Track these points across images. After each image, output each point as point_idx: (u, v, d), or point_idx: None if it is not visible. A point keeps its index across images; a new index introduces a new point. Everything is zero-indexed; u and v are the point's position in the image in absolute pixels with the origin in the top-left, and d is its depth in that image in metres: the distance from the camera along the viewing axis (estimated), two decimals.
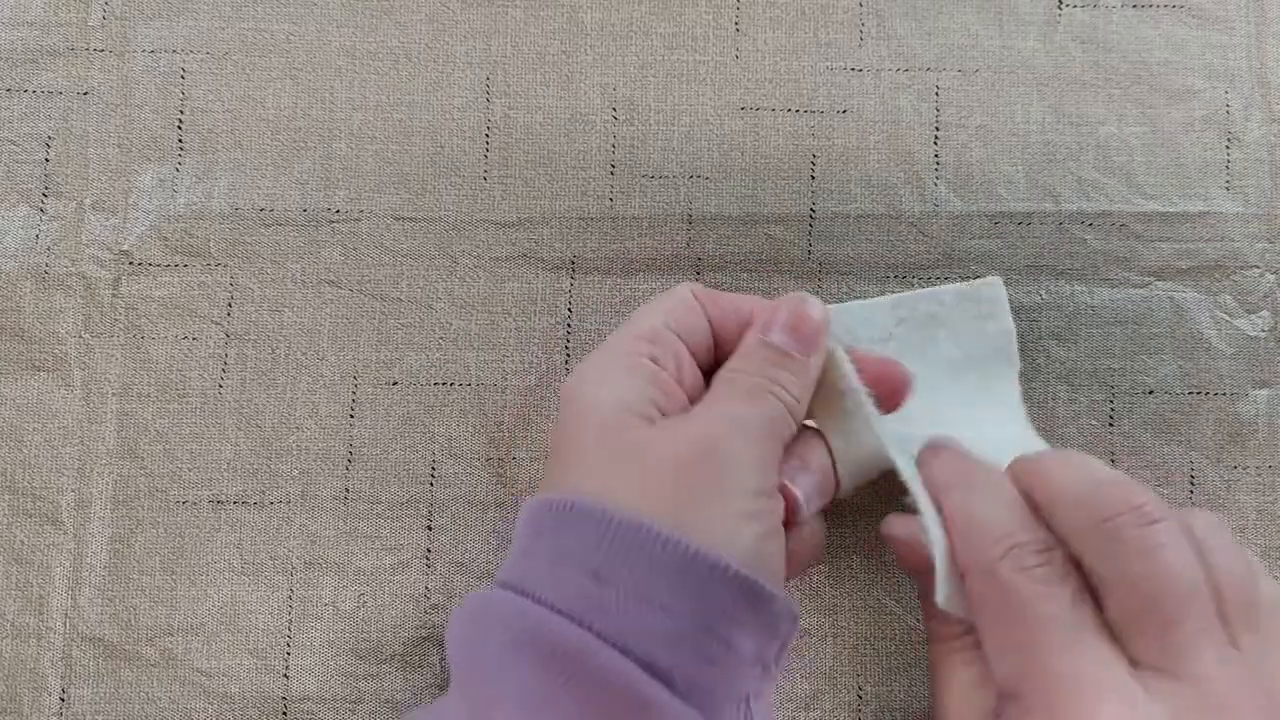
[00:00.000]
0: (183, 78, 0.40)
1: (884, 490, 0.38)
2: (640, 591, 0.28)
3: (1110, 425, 0.38)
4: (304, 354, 0.39)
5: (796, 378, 0.32)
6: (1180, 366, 0.39)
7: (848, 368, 0.33)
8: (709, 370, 0.33)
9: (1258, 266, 0.39)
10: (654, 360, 0.32)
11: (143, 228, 0.39)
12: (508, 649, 0.27)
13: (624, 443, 0.30)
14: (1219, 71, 0.40)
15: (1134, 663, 0.27)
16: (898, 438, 0.33)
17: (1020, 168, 0.39)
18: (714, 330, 0.33)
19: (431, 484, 0.38)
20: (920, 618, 0.37)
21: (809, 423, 0.34)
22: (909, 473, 0.32)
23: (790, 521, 0.31)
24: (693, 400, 0.32)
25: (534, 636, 0.27)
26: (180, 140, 0.39)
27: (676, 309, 0.33)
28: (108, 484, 0.38)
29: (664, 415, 0.31)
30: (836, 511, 0.38)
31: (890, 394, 0.33)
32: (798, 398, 0.32)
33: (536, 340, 0.39)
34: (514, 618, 0.28)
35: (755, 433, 0.30)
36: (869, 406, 0.32)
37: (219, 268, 0.39)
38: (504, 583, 0.29)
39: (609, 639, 0.27)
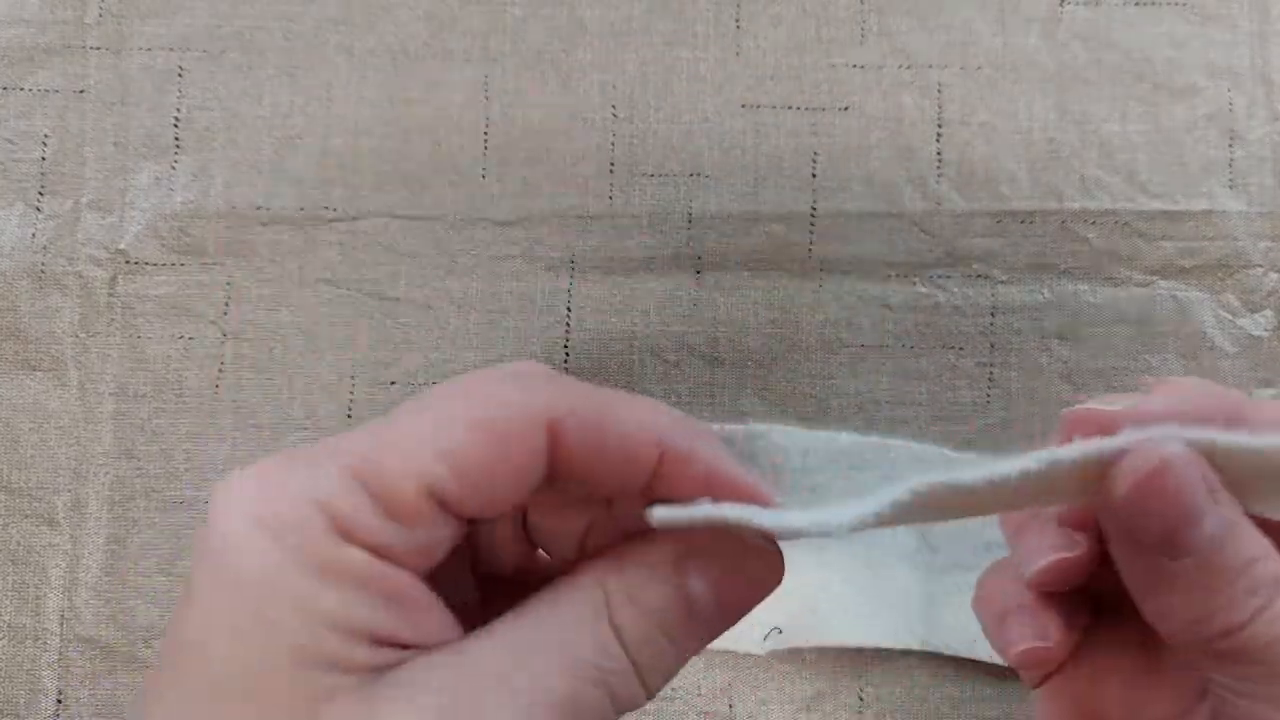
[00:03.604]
0: (179, 76, 0.39)
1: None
2: None
3: None
4: (301, 353, 0.38)
5: (682, 657, 0.20)
6: (1184, 366, 0.38)
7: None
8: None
9: (1261, 265, 0.39)
10: (379, 555, 0.18)
11: (139, 226, 0.39)
12: None
13: None
14: (1222, 69, 0.40)
15: None
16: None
17: (1023, 165, 0.39)
18: (575, 459, 0.19)
19: None
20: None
21: None
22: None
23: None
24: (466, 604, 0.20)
25: None
26: (177, 138, 0.39)
27: (484, 440, 0.18)
28: (104, 484, 0.38)
29: (396, 648, 0.18)
30: None
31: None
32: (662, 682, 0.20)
33: (536, 340, 0.38)
34: None
35: None
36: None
37: (216, 267, 0.39)
38: None
39: None
